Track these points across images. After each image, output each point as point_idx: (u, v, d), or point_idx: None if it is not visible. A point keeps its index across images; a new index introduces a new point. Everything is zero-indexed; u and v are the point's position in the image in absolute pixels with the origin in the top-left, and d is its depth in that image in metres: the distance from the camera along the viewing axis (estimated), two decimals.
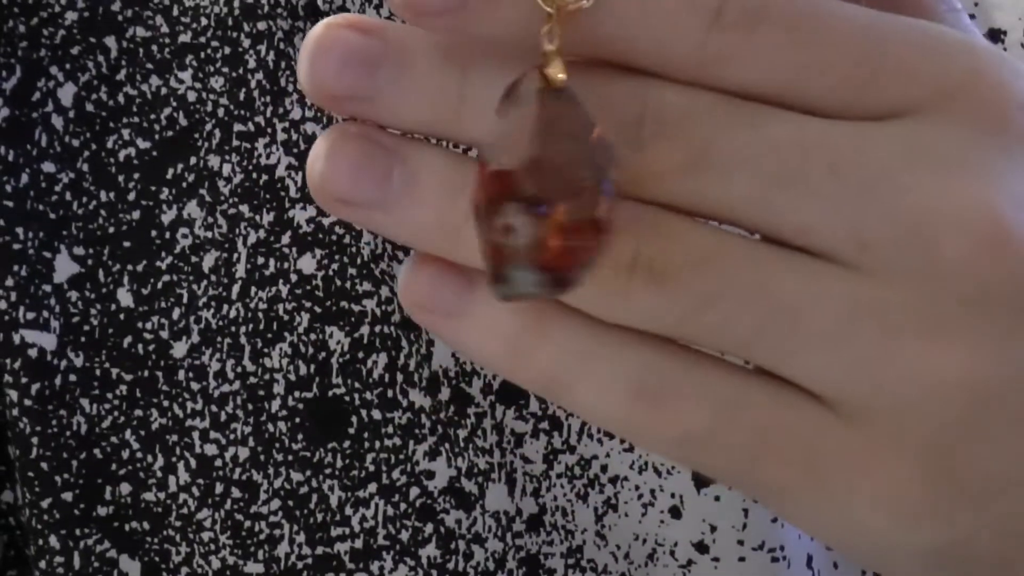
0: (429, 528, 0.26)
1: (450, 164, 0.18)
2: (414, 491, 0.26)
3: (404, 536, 0.26)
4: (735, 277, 0.17)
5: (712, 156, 0.17)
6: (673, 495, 0.27)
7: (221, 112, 0.27)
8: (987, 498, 0.18)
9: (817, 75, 0.18)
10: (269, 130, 0.27)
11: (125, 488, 0.26)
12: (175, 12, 0.28)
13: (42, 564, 0.27)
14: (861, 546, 0.19)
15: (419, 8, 0.17)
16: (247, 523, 0.26)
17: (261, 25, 0.27)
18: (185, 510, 0.26)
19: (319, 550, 0.26)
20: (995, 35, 0.32)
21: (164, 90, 0.27)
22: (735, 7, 0.17)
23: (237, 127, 0.27)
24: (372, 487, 0.26)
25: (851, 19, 0.18)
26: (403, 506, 0.26)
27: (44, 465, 0.26)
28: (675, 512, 0.27)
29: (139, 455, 0.26)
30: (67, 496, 0.26)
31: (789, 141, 0.17)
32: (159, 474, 0.26)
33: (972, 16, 0.32)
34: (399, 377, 0.26)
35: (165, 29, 0.28)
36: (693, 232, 0.18)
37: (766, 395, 0.18)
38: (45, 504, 0.26)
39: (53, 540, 0.26)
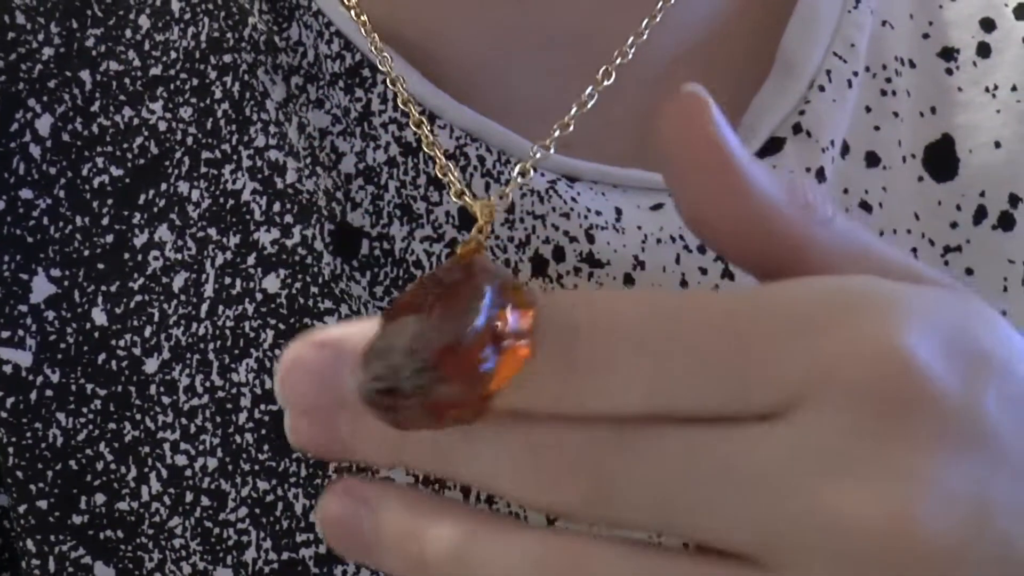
0: None
1: (408, 508, 0.19)
2: None
3: None
4: None
5: (610, 492, 0.18)
6: None
7: (190, 140, 0.29)
8: None
9: (686, 387, 0.17)
10: (235, 157, 0.28)
11: (100, 498, 0.27)
12: (146, 47, 0.29)
13: (23, 564, 0.28)
14: None
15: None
16: (216, 530, 0.27)
17: (227, 58, 0.29)
18: (157, 518, 0.27)
19: (285, 555, 0.27)
20: (948, 54, 0.33)
21: (136, 120, 0.29)
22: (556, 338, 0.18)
23: (205, 155, 0.28)
24: None
25: (707, 318, 0.17)
26: None
27: (19, 474, 0.27)
28: None
29: (113, 466, 0.27)
30: (42, 504, 0.27)
31: (683, 466, 0.17)
32: (132, 484, 0.27)
33: (926, 36, 0.33)
34: None
35: (137, 63, 0.29)
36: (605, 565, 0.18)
37: None
38: (21, 509, 0.27)
39: (30, 544, 0.27)
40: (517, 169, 0.26)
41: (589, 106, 0.25)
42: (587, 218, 0.28)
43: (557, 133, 0.25)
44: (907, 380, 0.17)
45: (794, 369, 0.17)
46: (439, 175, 0.26)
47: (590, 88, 0.26)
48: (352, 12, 0.28)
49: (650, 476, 0.18)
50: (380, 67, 0.28)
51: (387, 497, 0.19)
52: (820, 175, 0.30)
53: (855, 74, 0.31)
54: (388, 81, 0.28)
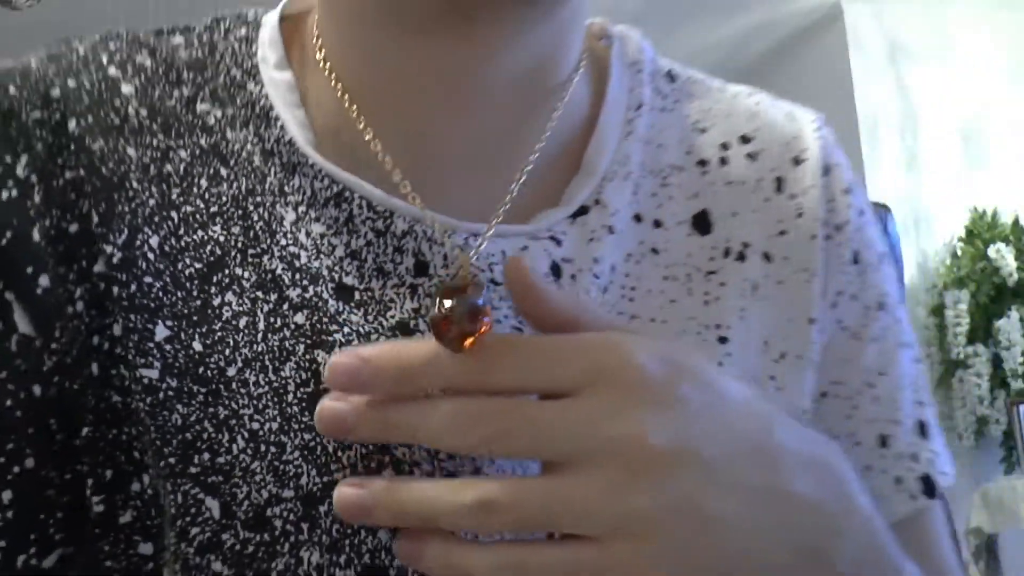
0: None
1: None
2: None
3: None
4: (524, 507, 0.36)
5: (497, 435, 0.37)
6: None
7: (240, 245, 0.45)
8: None
9: (528, 383, 0.37)
10: (269, 252, 0.45)
11: (206, 456, 0.42)
12: (207, 196, 0.46)
13: (162, 502, 0.42)
14: None
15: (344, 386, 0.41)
16: (281, 467, 0.42)
17: (258, 199, 0.46)
18: (243, 464, 0.42)
19: (325, 479, 0.42)
20: (703, 163, 0.53)
21: (206, 237, 0.45)
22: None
23: (250, 251, 0.45)
24: None
25: (538, 344, 0.38)
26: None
27: (158, 442, 0.42)
28: None
29: (213, 435, 0.42)
30: (172, 460, 0.42)
31: (533, 418, 0.37)
32: (226, 444, 0.42)
33: (688, 152, 0.52)
34: None
35: (202, 206, 0.46)
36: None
37: None
38: (161, 464, 0.42)
39: (168, 486, 0.41)
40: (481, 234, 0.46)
41: (515, 193, 0.46)
42: (487, 258, 0.46)
43: (500, 218, 0.46)
44: (636, 376, 0.37)
45: (581, 367, 0.37)
46: (441, 240, 0.45)
47: (515, 184, 0.46)
48: (374, 147, 0.45)
49: (518, 425, 0.36)
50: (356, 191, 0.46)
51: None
52: (611, 229, 0.48)
53: (629, 173, 0.50)
54: (361, 196, 0.46)
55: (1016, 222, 3.78)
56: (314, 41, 0.48)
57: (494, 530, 0.36)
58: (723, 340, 0.48)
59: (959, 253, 3.81)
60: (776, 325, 0.50)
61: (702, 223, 0.50)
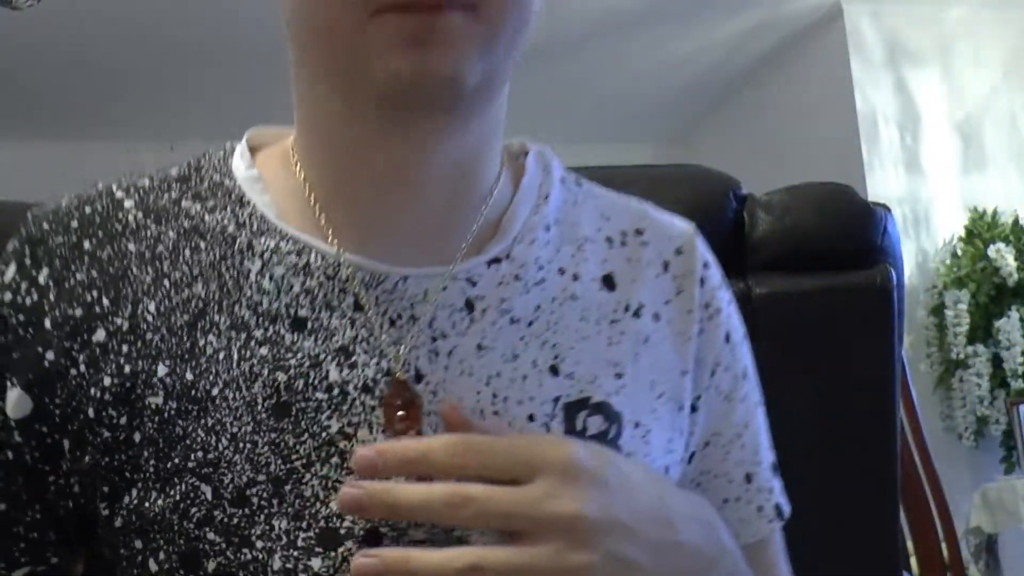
0: None
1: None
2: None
3: None
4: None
5: (475, 511, 0.50)
6: None
7: (216, 296, 0.59)
8: None
9: (493, 472, 0.50)
10: (238, 299, 0.59)
11: (200, 455, 0.56)
12: (191, 263, 0.60)
13: (165, 493, 0.55)
14: None
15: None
16: (257, 458, 0.55)
17: (228, 262, 0.60)
18: (227, 459, 0.56)
19: (288, 465, 0.55)
20: (610, 240, 0.69)
21: (191, 294, 0.59)
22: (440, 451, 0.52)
23: (224, 302, 0.59)
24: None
25: (499, 443, 0.52)
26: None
27: (165, 449, 0.56)
28: None
29: (204, 438, 0.56)
30: (176, 460, 0.56)
31: (495, 500, 0.50)
32: (214, 444, 0.56)
33: (599, 229, 0.68)
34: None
35: (188, 271, 0.60)
36: None
37: None
38: (168, 465, 0.56)
39: (175, 479, 0.55)
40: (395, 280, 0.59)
41: (458, 261, 0.60)
42: (412, 296, 0.59)
43: (453, 268, 0.59)
44: (570, 465, 0.51)
45: (530, 460, 0.51)
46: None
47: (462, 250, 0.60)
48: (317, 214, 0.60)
49: (489, 506, 0.50)
50: (318, 249, 0.60)
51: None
52: (517, 277, 0.60)
53: (535, 239, 0.62)
54: (317, 251, 0.59)
55: (1016, 222, 3.80)
56: (291, 154, 0.63)
57: None
58: (619, 376, 0.61)
59: (959, 253, 3.83)
60: (660, 371, 0.64)
61: (609, 282, 0.64)
